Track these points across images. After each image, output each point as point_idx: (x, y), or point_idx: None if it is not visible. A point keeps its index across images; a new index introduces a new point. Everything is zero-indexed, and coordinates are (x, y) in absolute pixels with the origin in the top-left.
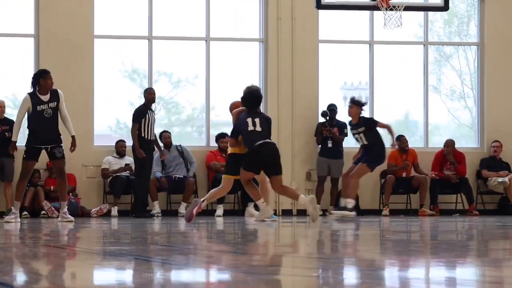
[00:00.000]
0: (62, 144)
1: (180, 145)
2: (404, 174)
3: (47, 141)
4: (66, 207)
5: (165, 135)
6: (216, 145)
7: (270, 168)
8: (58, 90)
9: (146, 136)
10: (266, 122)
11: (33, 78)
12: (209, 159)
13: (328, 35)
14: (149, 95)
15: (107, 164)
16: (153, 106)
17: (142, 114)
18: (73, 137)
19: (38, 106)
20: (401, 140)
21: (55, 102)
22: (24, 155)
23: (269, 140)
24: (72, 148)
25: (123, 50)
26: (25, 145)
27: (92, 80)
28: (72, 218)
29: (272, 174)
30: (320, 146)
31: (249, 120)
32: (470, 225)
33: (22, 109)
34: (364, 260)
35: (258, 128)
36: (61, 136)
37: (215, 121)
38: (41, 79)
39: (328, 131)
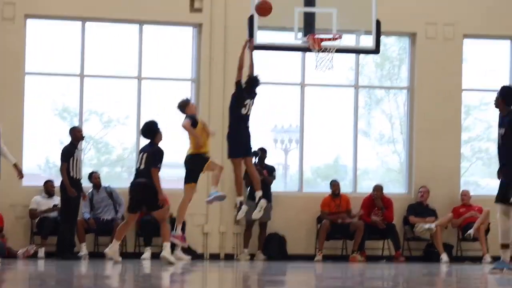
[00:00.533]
0: None
1: (109, 186)
2: (339, 220)
3: None
4: None
5: (95, 176)
6: None
7: (146, 206)
8: None
9: (74, 176)
10: (151, 157)
11: None
12: None
13: (259, 76)
14: (77, 132)
15: (35, 204)
16: (83, 144)
17: (70, 153)
18: (15, 164)
19: None
20: (333, 184)
21: None
22: None
23: (138, 180)
24: (19, 175)
25: (54, 88)
26: None
27: (22, 118)
28: None
29: (150, 210)
30: (248, 188)
31: (140, 156)
32: (396, 272)
33: None
34: None
35: (142, 166)
36: None
37: None
38: None
39: (258, 172)
